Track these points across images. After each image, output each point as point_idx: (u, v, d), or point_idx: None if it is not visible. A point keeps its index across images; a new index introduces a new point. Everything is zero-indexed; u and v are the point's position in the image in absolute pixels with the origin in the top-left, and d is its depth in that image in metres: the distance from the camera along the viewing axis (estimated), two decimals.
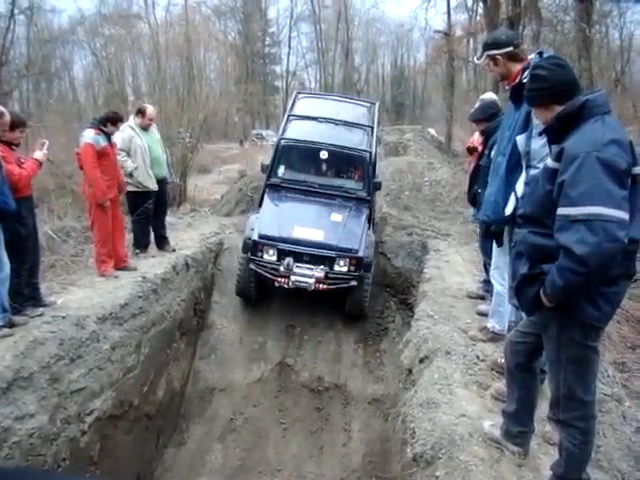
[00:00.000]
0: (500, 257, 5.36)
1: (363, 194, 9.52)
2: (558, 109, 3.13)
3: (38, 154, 6.22)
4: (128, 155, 8.20)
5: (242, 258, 8.96)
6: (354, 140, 9.86)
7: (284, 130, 10.07)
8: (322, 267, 8.39)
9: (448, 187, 12.77)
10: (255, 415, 7.84)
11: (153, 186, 8.41)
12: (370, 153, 9.55)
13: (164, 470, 7.54)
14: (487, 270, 6.26)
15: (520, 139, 4.40)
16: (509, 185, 4.59)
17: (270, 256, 8.53)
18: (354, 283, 8.51)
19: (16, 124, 5.89)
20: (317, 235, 8.57)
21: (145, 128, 8.49)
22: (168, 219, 11.44)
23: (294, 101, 11.12)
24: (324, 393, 8.13)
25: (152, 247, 8.97)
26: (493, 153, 5.30)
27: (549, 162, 3.08)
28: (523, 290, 3.16)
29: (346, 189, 9.57)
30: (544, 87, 3.19)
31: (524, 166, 4.40)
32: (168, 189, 10.78)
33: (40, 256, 6.73)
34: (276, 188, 9.63)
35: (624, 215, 2.81)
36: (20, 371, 5.29)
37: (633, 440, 4.31)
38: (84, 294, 6.89)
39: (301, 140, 9.77)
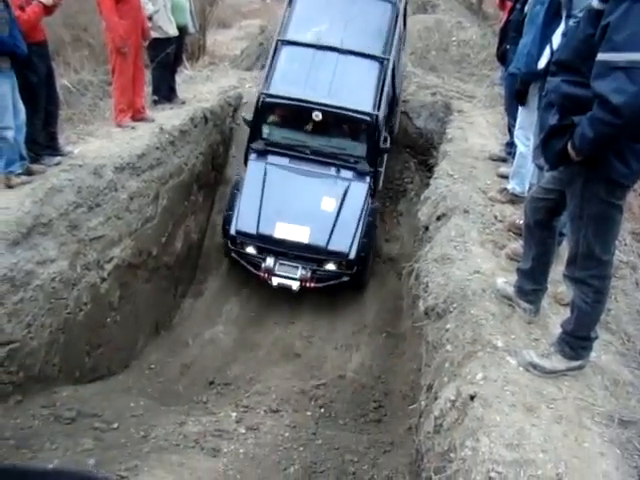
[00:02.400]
0: (525, 117, 5.17)
1: (364, 167, 7.74)
2: None
3: None
4: None
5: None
6: (359, 92, 7.78)
7: (268, 76, 7.95)
8: (308, 265, 7.32)
9: (476, 48, 12.20)
10: None
11: (173, 32, 8.10)
12: (376, 116, 7.53)
13: (182, 319, 7.82)
14: (511, 132, 6.09)
15: None
16: (545, 36, 4.31)
17: (251, 250, 7.50)
18: (346, 278, 7.46)
19: None
20: (302, 235, 7.25)
21: None
22: (187, 72, 11.19)
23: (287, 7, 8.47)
24: None
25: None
26: (529, 2, 4.96)
27: (594, 2, 2.81)
28: (550, 142, 3.01)
29: (345, 156, 7.83)
30: None
31: (564, 16, 4.05)
32: (187, 41, 10.45)
33: (58, 106, 6.62)
34: (261, 153, 7.93)
35: None
36: (39, 217, 5.34)
37: None
38: (101, 144, 6.83)
39: (287, 97, 7.74)
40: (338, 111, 7.55)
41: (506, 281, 3.97)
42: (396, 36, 8.10)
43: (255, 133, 7.98)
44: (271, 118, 7.98)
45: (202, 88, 9.74)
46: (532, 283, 3.70)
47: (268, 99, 7.77)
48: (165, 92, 8.53)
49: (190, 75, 11.04)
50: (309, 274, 7.26)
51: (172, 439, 4.71)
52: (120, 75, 7.34)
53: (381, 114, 7.59)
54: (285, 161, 7.83)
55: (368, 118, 7.56)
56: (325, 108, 7.53)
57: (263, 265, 7.30)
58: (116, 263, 6.26)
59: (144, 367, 6.55)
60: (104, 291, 6.09)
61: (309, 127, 7.80)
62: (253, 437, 4.99)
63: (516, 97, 5.19)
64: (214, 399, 5.97)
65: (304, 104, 7.61)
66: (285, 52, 8.07)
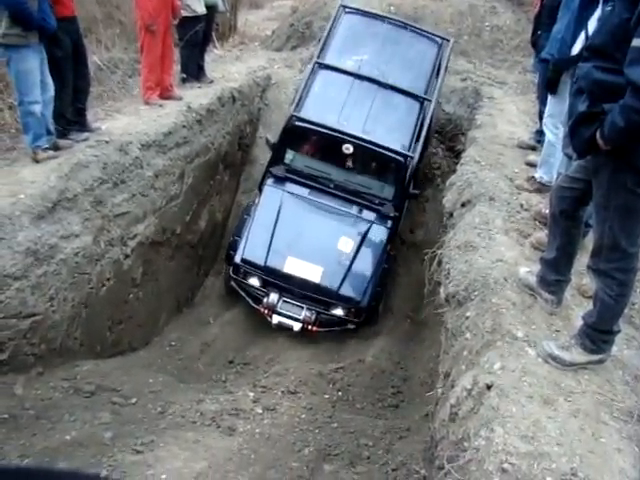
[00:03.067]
0: (555, 105, 5.07)
1: (389, 210, 7.24)
2: None
3: None
4: None
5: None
6: (396, 131, 7.32)
7: (300, 98, 7.47)
8: (315, 308, 6.76)
9: (510, 34, 11.94)
10: None
11: (201, 10, 8.05)
12: (411, 158, 7.08)
13: (203, 297, 7.87)
14: (542, 120, 5.96)
15: None
16: (580, 22, 4.19)
17: (254, 281, 6.91)
18: (352, 327, 6.96)
19: None
20: (313, 274, 6.70)
21: None
22: (216, 52, 11.16)
23: (335, 20, 8.19)
24: None
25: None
26: None
27: None
28: (579, 130, 2.93)
29: (370, 196, 7.30)
30: None
31: (600, 0, 3.93)
32: (218, 19, 10.39)
33: (89, 83, 6.64)
34: (280, 180, 7.35)
35: None
36: (64, 192, 5.38)
37: None
38: (128, 121, 6.86)
39: (319, 124, 7.15)
40: (371, 147, 7.04)
41: (529, 270, 3.90)
42: (440, 78, 7.81)
43: (277, 157, 7.44)
44: (297, 143, 7.49)
45: (231, 68, 9.70)
46: (555, 273, 3.63)
47: (298, 122, 7.26)
48: (193, 71, 8.51)
49: (220, 55, 11.01)
50: (313, 317, 6.71)
51: (189, 416, 4.76)
52: (149, 53, 7.34)
53: (415, 157, 7.12)
54: (305, 192, 7.29)
55: (401, 159, 7.09)
56: (357, 141, 7.03)
57: (265, 300, 6.74)
58: (140, 240, 6.30)
59: (165, 344, 6.61)
60: (127, 267, 6.14)
61: (339, 160, 7.34)
62: (269, 417, 5.02)
63: (547, 85, 5.08)
64: (232, 378, 6.01)
65: (336, 134, 7.07)
66: (322, 76, 7.68)
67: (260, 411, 5.09)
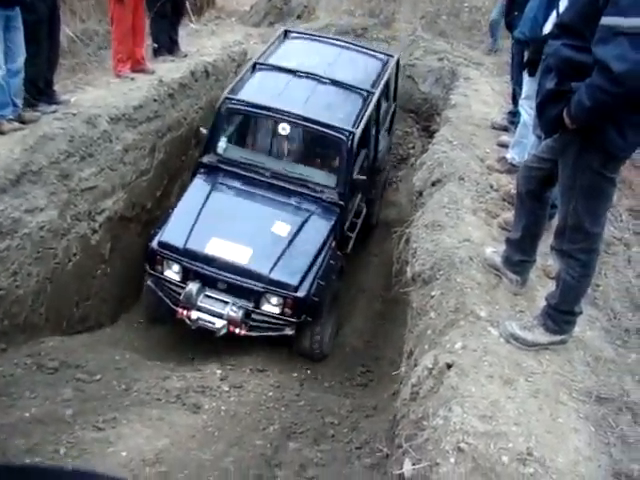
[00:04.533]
0: (532, 86, 5.03)
1: (332, 195, 6.32)
2: None
3: None
4: None
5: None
6: (336, 112, 6.60)
7: (236, 86, 6.84)
8: (242, 303, 5.65)
9: (488, 15, 11.94)
10: None
11: None
12: (352, 134, 6.23)
13: None
14: (515, 101, 5.96)
15: None
16: (552, 1, 4.15)
17: (173, 273, 5.85)
18: (290, 332, 5.73)
19: None
20: (240, 255, 5.70)
21: None
22: (192, 25, 10.96)
23: (276, 42, 7.69)
24: None
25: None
26: None
27: None
28: (546, 108, 2.90)
29: (311, 184, 6.40)
30: None
31: None
32: None
33: (58, 54, 6.49)
34: (211, 170, 6.52)
35: None
36: (29, 165, 5.28)
37: (633, 283, 4.27)
38: (98, 94, 6.72)
39: (253, 104, 6.53)
40: (309, 125, 6.34)
41: (495, 250, 3.90)
42: (381, 85, 7.14)
43: (209, 146, 6.64)
44: (230, 130, 6.81)
45: (206, 42, 9.54)
46: (520, 254, 3.63)
47: (232, 104, 6.59)
48: (165, 43, 8.33)
49: (195, 28, 10.81)
50: (240, 315, 5.57)
51: (154, 393, 4.72)
52: (119, 24, 7.17)
53: (357, 134, 6.26)
54: (237, 183, 6.49)
55: (342, 136, 6.25)
56: (295, 120, 6.32)
57: (182, 293, 5.66)
58: (108, 215, 6.20)
59: (133, 321, 6.53)
60: (95, 242, 6.04)
61: (277, 147, 6.77)
62: (236, 395, 4.99)
63: (526, 65, 5.03)
64: (201, 356, 5.96)
65: (272, 113, 6.42)
66: (261, 73, 7.14)
67: (227, 389, 5.05)
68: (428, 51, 9.33)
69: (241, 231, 5.92)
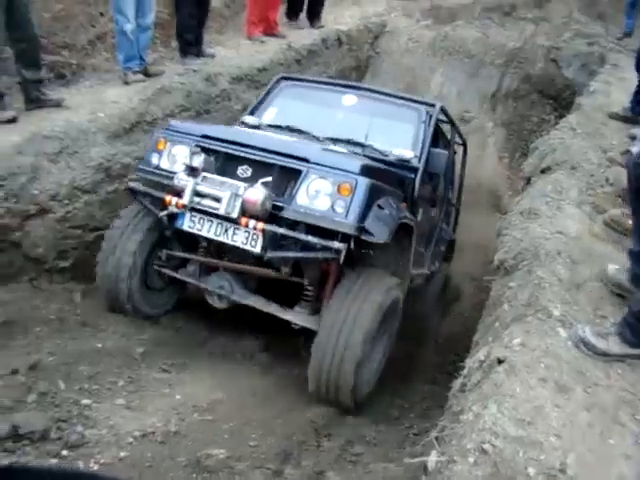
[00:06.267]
0: None
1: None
2: None
3: None
4: None
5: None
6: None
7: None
8: (268, 179, 4.03)
9: None
10: None
11: None
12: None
13: None
14: None
15: None
16: None
17: (172, 160, 4.31)
18: (334, 256, 3.83)
19: None
20: (286, 142, 4.53)
21: None
22: None
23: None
24: None
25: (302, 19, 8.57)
26: None
27: None
28: None
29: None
30: None
31: None
32: None
33: (208, 11, 6.82)
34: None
35: None
36: (144, 115, 5.50)
37: None
38: (226, 54, 6.87)
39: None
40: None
41: (618, 267, 3.34)
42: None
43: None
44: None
45: (345, 12, 9.45)
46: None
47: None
48: (300, 11, 8.35)
49: None
50: (261, 197, 3.84)
51: (228, 351, 4.73)
52: None
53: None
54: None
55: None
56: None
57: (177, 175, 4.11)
58: None
59: None
60: None
61: None
62: None
63: None
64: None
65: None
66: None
67: (304, 354, 5.01)
68: (579, 34, 8.66)
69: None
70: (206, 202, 4.02)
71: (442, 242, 6.50)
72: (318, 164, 3.94)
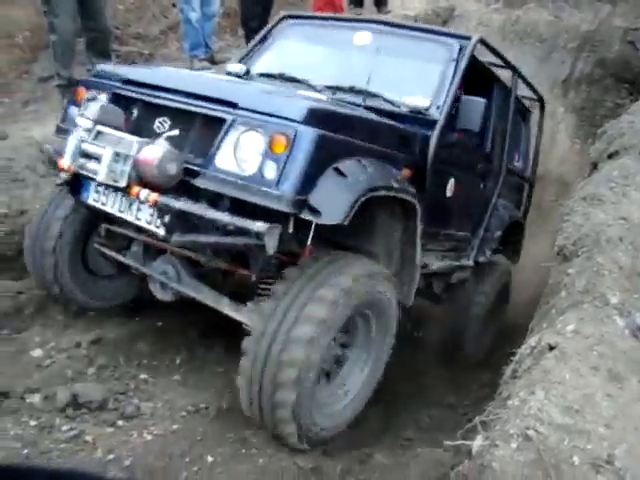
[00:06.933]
0: None
1: None
2: None
3: None
4: None
5: None
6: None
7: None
8: (174, 132, 3.14)
9: None
10: None
11: None
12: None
13: None
14: None
15: None
16: None
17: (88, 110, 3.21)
18: (257, 241, 2.77)
19: None
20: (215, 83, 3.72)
21: None
22: None
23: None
24: None
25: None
26: None
27: None
28: None
29: None
30: None
31: None
32: None
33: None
34: None
35: None
36: None
37: None
38: None
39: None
40: None
41: None
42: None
43: None
44: None
45: None
46: None
47: None
48: None
49: None
50: (162, 151, 2.91)
51: None
52: None
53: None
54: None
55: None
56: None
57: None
58: None
59: None
60: None
61: None
62: None
63: None
64: None
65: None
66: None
67: None
68: None
69: None
70: (91, 165, 3.11)
71: (497, 225, 5.18)
72: (248, 110, 2.94)
